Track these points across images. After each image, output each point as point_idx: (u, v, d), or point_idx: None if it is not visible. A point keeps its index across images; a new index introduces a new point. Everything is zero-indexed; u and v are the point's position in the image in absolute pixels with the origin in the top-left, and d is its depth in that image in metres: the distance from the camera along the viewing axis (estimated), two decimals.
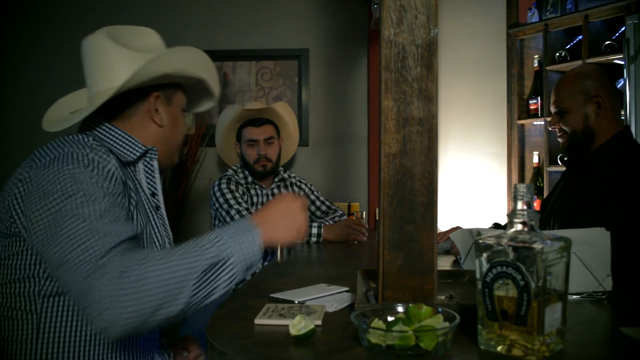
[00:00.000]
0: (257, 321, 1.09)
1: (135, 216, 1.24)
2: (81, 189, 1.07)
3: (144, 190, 1.35)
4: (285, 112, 3.06)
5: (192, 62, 1.39)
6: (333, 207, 2.97)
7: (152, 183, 1.39)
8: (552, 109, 1.95)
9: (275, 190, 2.86)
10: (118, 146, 1.30)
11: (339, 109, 3.51)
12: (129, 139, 1.32)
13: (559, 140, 1.97)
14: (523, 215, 0.91)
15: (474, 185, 3.43)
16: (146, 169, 1.37)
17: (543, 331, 0.85)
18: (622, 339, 0.97)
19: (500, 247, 0.89)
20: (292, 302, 1.25)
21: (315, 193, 2.99)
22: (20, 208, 1.12)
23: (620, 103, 1.84)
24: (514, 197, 0.92)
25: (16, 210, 1.13)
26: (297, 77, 3.47)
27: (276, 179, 2.88)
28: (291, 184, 2.95)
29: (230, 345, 0.96)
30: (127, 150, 1.32)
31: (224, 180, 2.69)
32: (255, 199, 2.77)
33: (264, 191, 2.82)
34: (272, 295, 1.30)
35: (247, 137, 2.80)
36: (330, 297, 1.30)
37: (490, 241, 0.91)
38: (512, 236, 0.90)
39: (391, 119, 1.09)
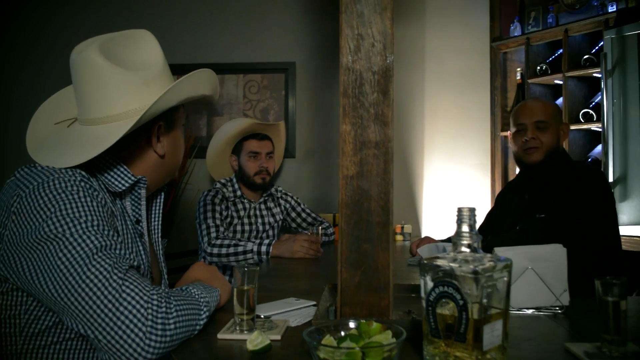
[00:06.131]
0: (219, 336, 1.13)
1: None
2: (77, 216, 1.08)
3: (130, 218, 1.31)
4: (283, 132, 3.19)
5: (201, 85, 1.34)
6: (319, 219, 3.03)
7: (137, 210, 1.34)
8: (529, 121, 2.10)
9: (262, 206, 2.91)
10: (108, 176, 1.25)
11: (325, 121, 3.57)
12: (121, 169, 1.27)
13: (532, 154, 2.10)
14: (466, 237, 0.96)
15: (458, 195, 3.48)
16: (132, 196, 1.32)
17: (482, 348, 0.90)
18: (565, 355, 1.01)
19: (443, 268, 0.93)
20: (258, 316, 1.29)
21: (301, 205, 3.05)
22: (7, 249, 1.10)
23: None
24: (457, 219, 0.97)
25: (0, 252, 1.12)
26: (284, 90, 3.53)
27: (264, 194, 2.93)
28: (277, 198, 3.00)
29: (189, 359, 1.01)
30: (117, 181, 1.26)
31: (211, 193, 2.74)
32: (242, 212, 2.82)
33: (252, 205, 2.87)
34: None
35: (250, 149, 2.84)
36: (296, 312, 1.34)
37: (434, 262, 0.95)
38: (454, 257, 0.95)
39: (349, 142, 1.14)
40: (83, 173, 1.17)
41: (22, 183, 1.13)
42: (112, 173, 1.26)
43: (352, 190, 1.14)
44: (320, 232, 2.61)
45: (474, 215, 0.97)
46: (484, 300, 0.90)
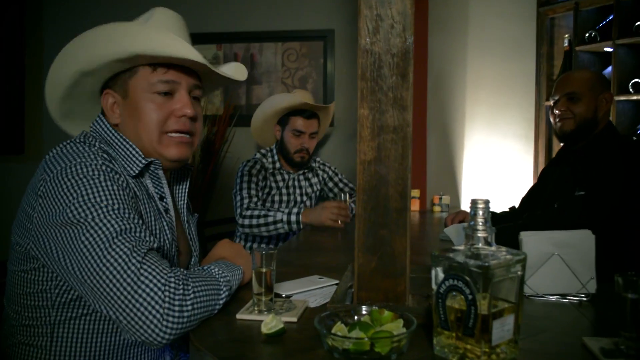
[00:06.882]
0: (238, 316, 1.16)
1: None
2: (98, 200, 1.12)
3: (152, 196, 1.35)
4: (331, 114, 3.15)
5: (128, 40, 1.25)
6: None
7: (159, 187, 1.38)
8: (561, 94, 2.09)
9: (301, 177, 2.93)
10: (123, 158, 1.31)
11: None
12: (133, 152, 1.32)
13: (562, 124, 2.09)
14: (480, 230, 0.94)
15: (500, 167, 3.40)
16: (151, 176, 1.37)
17: (490, 343, 0.89)
18: (581, 350, 0.99)
19: (455, 261, 0.92)
20: (279, 295, 1.31)
21: (338, 175, 3.05)
22: (36, 230, 1.15)
23: None
24: (471, 212, 0.95)
25: (30, 233, 1.17)
26: (322, 58, 3.49)
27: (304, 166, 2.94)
28: (315, 168, 3.01)
29: (205, 340, 1.04)
30: (131, 162, 1.31)
31: (249, 163, 2.76)
32: (281, 183, 2.84)
33: (291, 176, 2.89)
34: None
35: (296, 127, 2.81)
36: (317, 291, 1.36)
37: (446, 254, 0.94)
38: (466, 250, 0.93)
39: (366, 127, 1.13)
40: (105, 156, 1.22)
41: (47, 167, 1.18)
42: (126, 156, 1.32)
43: (370, 175, 1.13)
44: (348, 199, 2.61)
45: (489, 208, 0.95)
46: (494, 296, 0.89)
